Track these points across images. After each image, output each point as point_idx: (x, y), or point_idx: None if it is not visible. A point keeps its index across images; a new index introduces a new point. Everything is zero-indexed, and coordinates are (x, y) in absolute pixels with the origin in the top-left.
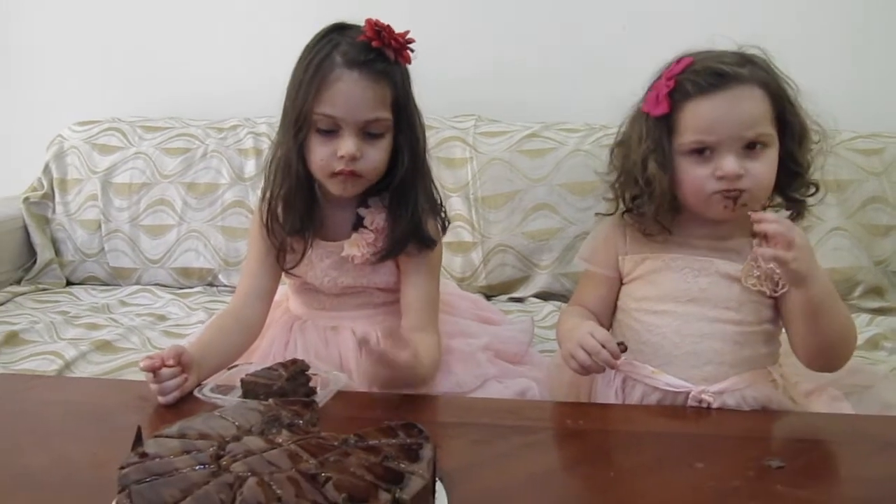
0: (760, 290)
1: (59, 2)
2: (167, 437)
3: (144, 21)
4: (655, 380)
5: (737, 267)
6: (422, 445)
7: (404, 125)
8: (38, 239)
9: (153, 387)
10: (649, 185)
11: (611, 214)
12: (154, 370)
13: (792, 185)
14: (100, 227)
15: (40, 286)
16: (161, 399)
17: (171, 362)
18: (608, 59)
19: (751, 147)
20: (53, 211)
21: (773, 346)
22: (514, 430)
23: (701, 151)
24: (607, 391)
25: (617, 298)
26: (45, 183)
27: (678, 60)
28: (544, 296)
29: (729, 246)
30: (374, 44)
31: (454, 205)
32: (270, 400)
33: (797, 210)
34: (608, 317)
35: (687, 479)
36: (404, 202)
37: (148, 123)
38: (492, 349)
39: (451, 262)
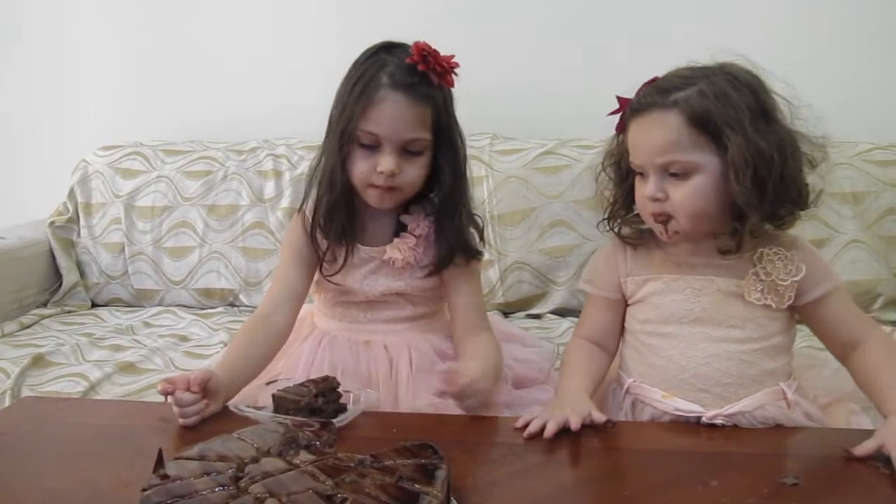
0: (766, 305)
1: (83, 30)
2: (187, 458)
3: (165, 48)
4: (665, 404)
5: (738, 283)
6: (437, 466)
7: (445, 145)
8: (63, 262)
9: (175, 409)
10: (612, 196)
11: (608, 231)
12: (168, 394)
13: (740, 218)
14: (123, 249)
15: (66, 308)
16: (181, 421)
17: (195, 388)
18: (623, 76)
19: (673, 173)
20: (78, 234)
21: (783, 360)
22: (528, 449)
23: (640, 172)
24: (616, 413)
25: (624, 319)
26: (70, 207)
27: (647, 81)
28: (561, 312)
29: (728, 263)
30: (419, 67)
31: None
32: (289, 422)
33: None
34: (616, 340)
35: (701, 497)
36: (449, 217)
37: (169, 147)
38: (512, 370)
39: None
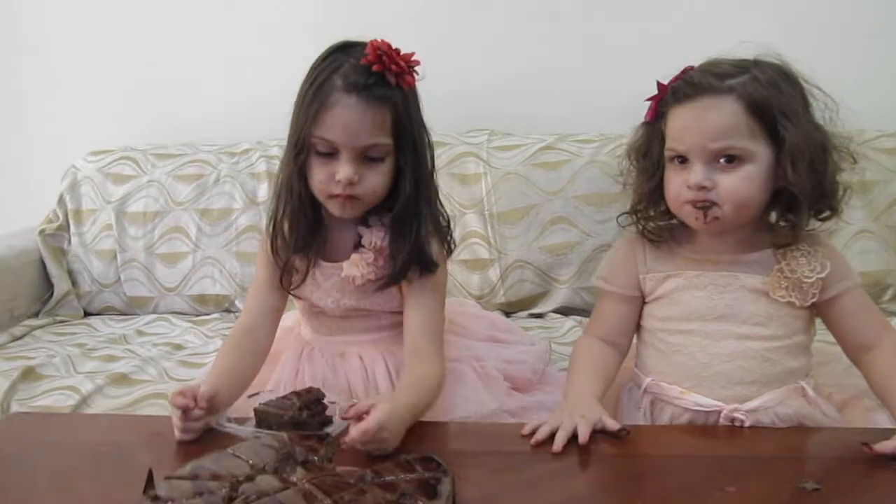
0: (790, 302)
1: (71, 33)
2: (179, 478)
3: (154, 49)
4: (685, 400)
5: (762, 280)
6: (440, 480)
7: (406, 149)
8: (54, 271)
9: (177, 423)
10: (638, 190)
11: (631, 224)
12: (186, 409)
13: (790, 207)
14: (115, 256)
15: (58, 318)
16: (179, 436)
17: (203, 404)
18: (622, 68)
19: (725, 160)
20: (69, 242)
21: (804, 359)
22: (536, 458)
23: (680, 160)
24: (634, 414)
25: (639, 317)
26: (60, 214)
27: (683, 69)
28: (564, 311)
29: (752, 259)
30: (374, 67)
31: (469, 221)
32: (285, 435)
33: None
34: (629, 337)
35: None
36: (407, 228)
37: (160, 151)
38: (503, 374)
39: (469, 279)
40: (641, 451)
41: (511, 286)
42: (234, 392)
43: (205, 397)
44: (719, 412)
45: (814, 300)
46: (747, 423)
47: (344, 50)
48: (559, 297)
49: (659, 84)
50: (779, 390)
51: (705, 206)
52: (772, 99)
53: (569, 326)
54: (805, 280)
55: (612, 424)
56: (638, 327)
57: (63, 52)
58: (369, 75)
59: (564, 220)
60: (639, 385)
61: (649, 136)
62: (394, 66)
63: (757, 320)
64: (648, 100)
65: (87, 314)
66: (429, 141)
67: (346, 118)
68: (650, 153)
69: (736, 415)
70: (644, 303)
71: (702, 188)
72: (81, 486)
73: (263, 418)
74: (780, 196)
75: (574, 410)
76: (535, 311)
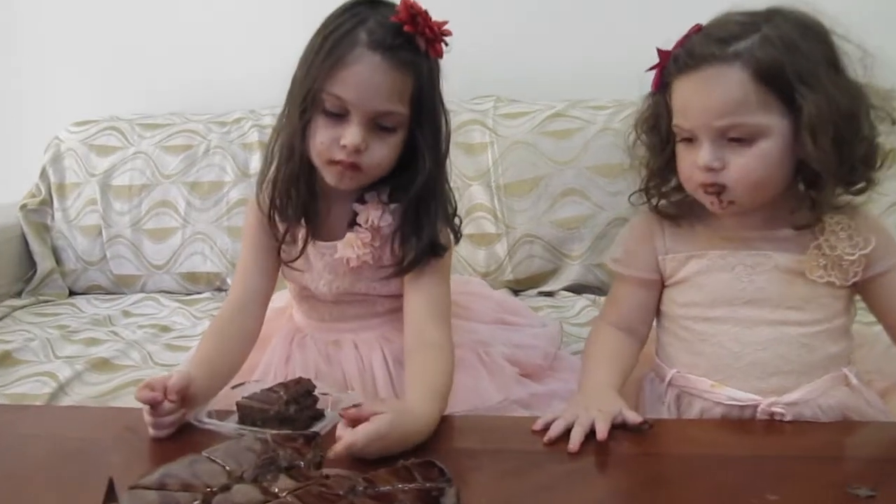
0: (829, 282)
1: None
2: (145, 487)
3: (140, 12)
4: (716, 394)
5: (797, 258)
6: (443, 491)
7: (426, 124)
8: (37, 248)
9: (147, 418)
10: (648, 166)
11: (644, 203)
12: (153, 403)
13: (813, 182)
14: (100, 232)
15: (41, 298)
16: (153, 433)
17: (173, 397)
18: (636, 28)
19: (733, 138)
20: (52, 218)
21: (845, 343)
22: (551, 457)
23: (688, 138)
24: (658, 407)
25: (659, 301)
26: (42, 188)
27: (688, 31)
28: (577, 288)
29: (784, 235)
30: (406, 28)
31: (475, 194)
32: (269, 435)
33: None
34: (648, 324)
35: None
36: (424, 211)
37: (148, 121)
38: (511, 360)
39: (475, 255)
40: (667, 450)
41: (519, 262)
42: (215, 383)
43: (175, 389)
44: (756, 406)
45: (856, 279)
46: (787, 418)
47: (371, 4)
48: (571, 273)
49: (659, 52)
50: (820, 380)
51: (717, 191)
52: (785, 62)
53: (581, 305)
54: (846, 257)
55: (634, 417)
56: (657, 312)
57: (44, 16)
58: (397, 35)
59: (576, 192)
60: (662, 377)
61: (656, 107)
62: (427, 31)
63: (792, 304)
64: (651, 69)
65: (72, 293)
66: (446, 119)
67: (365, 77)
68: (658, 126)
69: (775, 409)
70: (664, 286)
71: (710, 170)
72: (39, 491)
73: (246, 413)
74: (803, 168)
75: (591, 404)
76: (545, 288)
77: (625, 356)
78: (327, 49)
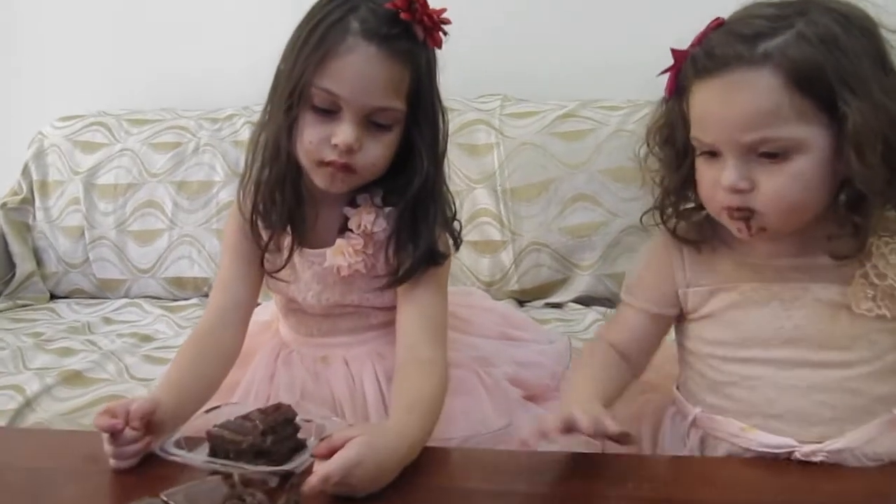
0: (880, 316)
1: None
2: None
3: (133, 5)
4: (747, 439)
5: (840, 289)
6: None
7: (424, 121)
8: (16, 249)
9: (107, 448)
10: (662, 183)
11: (657, 224)
12: (113, 431)
13: (856, 205)
14: (83, 234)
15: (20, 302)
16: (113, 463)
17: (136, 424)
18: (653, 24)
19: (764, 153)
20: (34, 217)
21: (894, 382)
22: (563, 499)
23: (709, 153)
24: (678, 448)
25: (667, 331)
26: (24, 186)
27: (707, 26)
28: (586, 301)
29: (822, 263)
30: (402, 15)
31: (479, 198)
32: (236, 476)
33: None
34: (648, 356)
35: None
36: (422, 216)
37: (136, 116)
38: (516, 379)
39: (478, 264)
40: (693, 496)
41: (526, 272)
42: (186, 407)
43: (137, 415)
44: (791, 453)
45: None
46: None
47: None
48: (580, 284)
49: (674, 52)
50: (867, 426)
51: (745, 217)
52: (825, 62)
53: (591, 319)
54: None
55: (613, 427)
56: (678, 344)
57: (38, 10)
58: (393, 23)
59: (587, 198)
60: (684, 414)
61: (671, 116)
62: (425, 18)
63: (837, 343)
64: (663, 72)
65: (53, 297)
66: (444, 115)
67: (359, 70)
68: (674, 138)
69: (813, 459)
70: (685, 319)
71: (737, 191)
72: None
73: (218, 444)
74: (845, 187)
75: (574, 407)
76: (553, 300)
77: (615, 381)
78: (316, 39)
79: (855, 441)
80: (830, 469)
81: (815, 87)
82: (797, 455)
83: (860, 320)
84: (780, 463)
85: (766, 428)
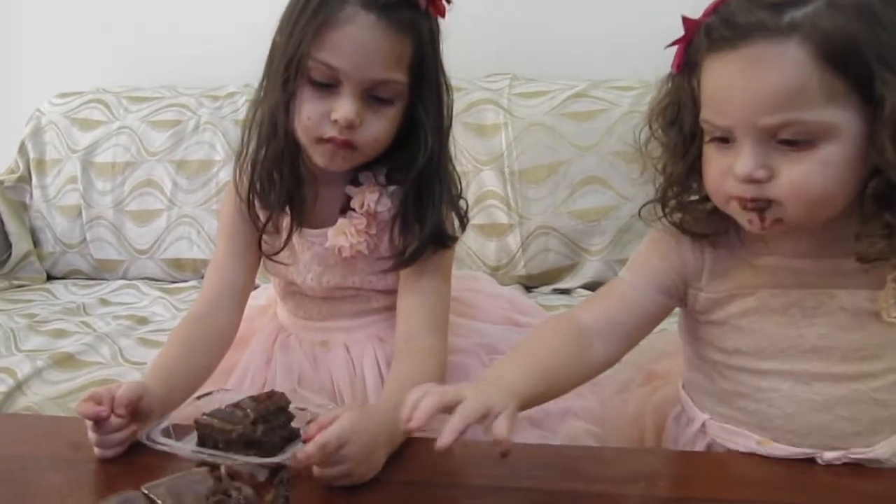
0: None
1: None
2: None
3: None
4: (762, 450)
5: (870, 296)
6: None
7: (427, 94)
8: (13, 228)
9: (92, 436)
10: (665, 171)
11: (659, 219)
12: (98, 419)
13: (887, 202)
14: (81, 213)
15: (16, 283)
16: (98, 452)
17: (121, 411)
18: (666, 2)
19: (786, 139)
20: (31, 196)
21: None
22: (574, 497)
23: (722, 139)
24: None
25: (655, 326)
26: (21, 164)
27: None
28: (595, 286)
29: (847, 266)
30: None
31: (486, 180)
32: (223, 469)
33: None
34: (624, 344)
35: None
36: (428, 194)
37: (135, 94)
38: None
39: (484, 248)
40: (713, 494)
41: (533, 256)
42: (176, 394)
43: (123, 402)
44: (813, 460)
45: None
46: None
47: None
48: (589, 270)
49: (685, 21)
50: (891, 439)
51: (759, 207)
52: (860, 35)
53: None
54: None
55: (501, 432)
56: (684, 342)
57: None
58: None
59: (598, 181)
60: (690, 418)
61: (678, 95)
62: None
63: (863, 352)
64: (672, 44)
65: (50, 278)
66: (448, 89)
67: (359, 41)
68: (680, 120)
69: (836, 463)
70: (692, 316)
71: (753, 181)
72: None
73: (206, 434)
74: (876, 180)
75: (490, 396)
76: (561, 286)
77: (564, 369)
78: (313, 8)
79: (882, 453)
80: (858, 468)
81: (849, 63)
82: (820, 461)
83: (888, 329)
84: (804, 461)
85: (782, 442)
